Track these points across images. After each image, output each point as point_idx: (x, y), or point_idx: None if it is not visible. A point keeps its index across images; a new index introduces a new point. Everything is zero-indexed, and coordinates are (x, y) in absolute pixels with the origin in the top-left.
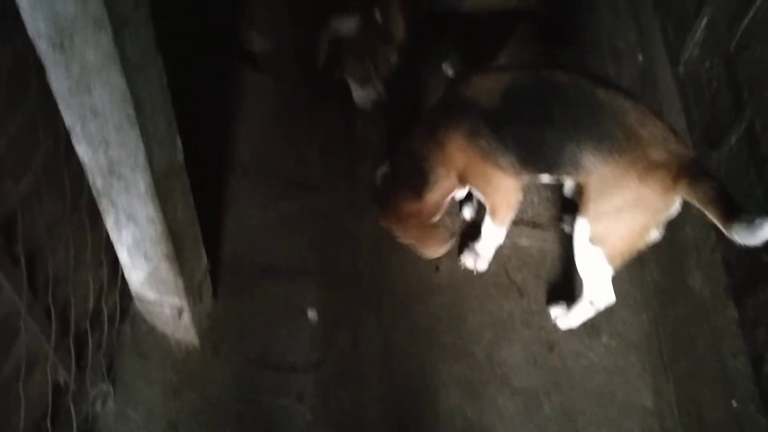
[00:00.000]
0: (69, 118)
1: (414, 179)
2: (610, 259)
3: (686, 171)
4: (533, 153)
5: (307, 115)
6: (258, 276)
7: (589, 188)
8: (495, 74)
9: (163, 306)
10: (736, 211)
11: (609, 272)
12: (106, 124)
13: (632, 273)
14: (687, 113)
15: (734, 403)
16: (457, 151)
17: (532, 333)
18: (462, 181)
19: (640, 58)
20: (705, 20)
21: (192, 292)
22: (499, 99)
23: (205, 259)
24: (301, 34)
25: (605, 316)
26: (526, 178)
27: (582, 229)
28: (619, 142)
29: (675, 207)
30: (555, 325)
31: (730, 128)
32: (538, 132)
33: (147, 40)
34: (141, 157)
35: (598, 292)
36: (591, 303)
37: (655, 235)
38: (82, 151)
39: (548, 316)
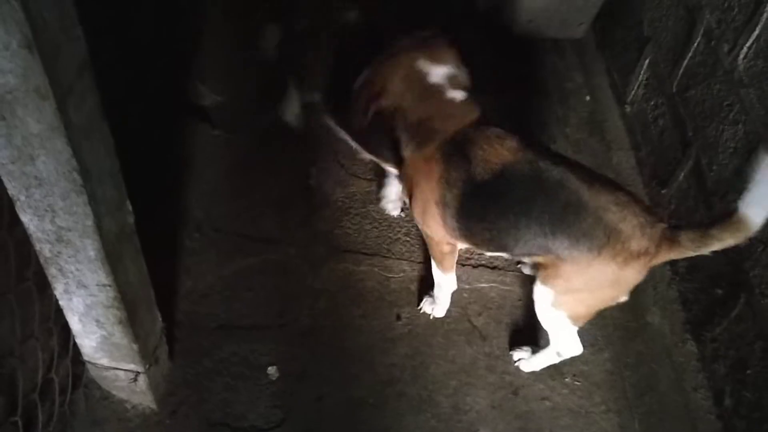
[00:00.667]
0: (12, 188)
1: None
2: (574, 321)
3: (663, 244)
4: (495, 235)
5: (261, 168)
6: (215, 335)
7: (560, 269)
8: (509, 146)
9: (117, 371)
10: (723, 218)
11: (573, 329)
12: (52, 192)
13: None
14: (636, 151)
15: None
16: (426, 170)
17: (496, 377)
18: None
19: (588, 98)
20: (647, 61)
21: (147, 355)
22: (492, 174)
23: (159, 321)
24: (251, 87)
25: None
26: (465, 245)
27: (544, 295)
28: (598, 241)
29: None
30: (519, 369)
31: (677, 165)
32: (512, 219)
33: (93, 106)
34: (90, 224)
35: (564, 345)
36: (558, 354)
37: (624, 299)
38: (28, 219)
39: (511, 359)
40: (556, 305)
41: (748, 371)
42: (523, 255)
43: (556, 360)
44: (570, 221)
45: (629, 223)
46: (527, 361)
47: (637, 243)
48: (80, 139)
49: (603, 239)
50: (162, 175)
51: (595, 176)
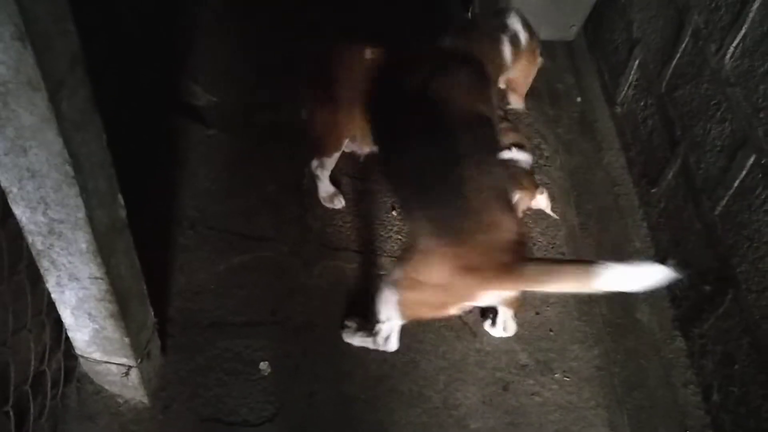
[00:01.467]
0: (5, 180)
1: None
2: (402, 311)
3: (503, 273)
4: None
5: (255, 167)
6: (208, 331)
7: (414, 251)
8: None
9: (109, 365)
10: (577, 264)
11: (398, 321)
12: (44, 183)
13: (582, 308)
14: (626, 151)
15: None
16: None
17: (486, 373)
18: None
19: (579, 99)
20: (637, 62)
21: (139, 350)
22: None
23: (152, 316)
24: (246, 87)
25: (557, 352)
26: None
27: (393, 274)
28: (451, 239)
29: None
30: (509, 364)
31: (666, 164)
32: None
33: (85, 99)
34: (81, 216)
35: (382, 333)
36: (374, 340)
37: (453, 312)
38: (20, 211)
39: (502, 355)
40: (394, 284)
41: (736, 366)
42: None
43: (371, 345)
44: (440, 199)
45: (487, 236)
46: (350, 332)
47: (479, 258)
48: (72, 131)
49: (455, 239)
50: (156, 173)
51: (495, 184)
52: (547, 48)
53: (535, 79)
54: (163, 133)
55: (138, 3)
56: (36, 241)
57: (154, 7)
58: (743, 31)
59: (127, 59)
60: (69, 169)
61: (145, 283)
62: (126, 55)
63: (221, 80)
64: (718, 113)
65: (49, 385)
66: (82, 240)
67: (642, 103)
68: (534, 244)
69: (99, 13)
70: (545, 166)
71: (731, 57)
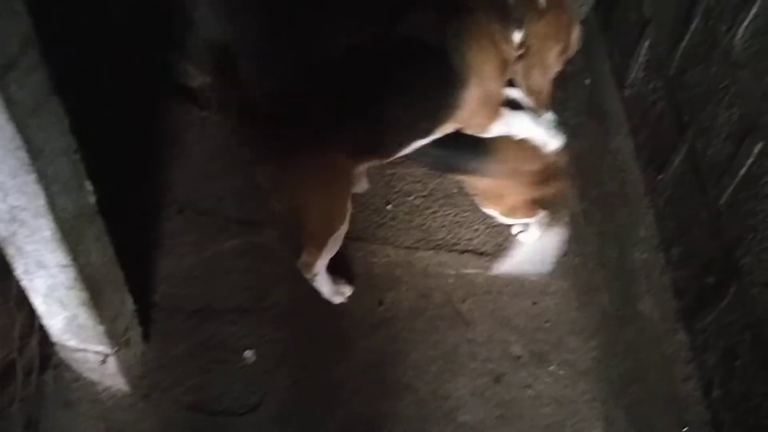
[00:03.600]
0: None
1: None
2: None
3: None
4: None
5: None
6: (193, 317)
7: None
8: None
9: (86, 353)
10: None
11: None
12: (1, 170)
13: (581, 300)
14: (634, 135)
15: (686, 430)
16: None
17: (478, 364)
18: None
19: (587, 81)
20: (647, 42)
21: (116, 337)
22: None
23: (129, 303)
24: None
25: (553, 344)
26: None
27: None
28: None
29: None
30: (502, 356)
31: (673, 150)
32: None
33: (40, 83)
34: (42, 203)
35: None
36: None
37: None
38: None
39: (495, 346)
40: None
41: (737, 362)
42: None
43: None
44: None
45: None
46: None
47: None
48: (25, 116)
49: None
50: (145, 155)
51: None
52: None
53: None
54: (155, 114)
55: None
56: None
57: None
58: (755, 9)
59: (120, 38)
60: (24, 155)
61: (123, 269)
62: (119, 35)
63: None
64: (726, 97)
65: (20, 372)
66: (46, 227)
67: (651, 86)
68: None
69: None
70: None
71: (741, 37)
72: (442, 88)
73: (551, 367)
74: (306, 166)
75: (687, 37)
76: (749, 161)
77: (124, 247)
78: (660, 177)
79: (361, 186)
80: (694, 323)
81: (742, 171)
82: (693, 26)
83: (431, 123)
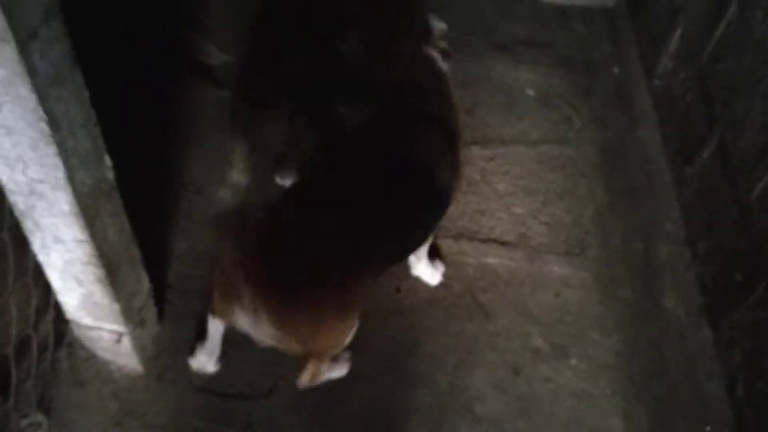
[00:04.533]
0: None
1: None
2: None
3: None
4: None
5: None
6: (208, 298)
7: None
8: None
9: (101, 332)
10: None
11: None
12: (21, 141)
13: (604, 293)
14: (662, 126)
15: (708, 428)
16: None
17: (497, 356)
18: None
19: (616, 70)
20: (679, 32)
21: (131, 316)
22: None
23: (146, 282)
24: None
25: (574, 338)
26: None
27: None
28: None
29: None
30: (522, 348)
31: (703, 142)
32: None
33: (62, 54)
34: (61, 176)
35: None
36: None
37: None
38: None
39: (515, 338)
40: None
41: (764, 360)
42: None
43: None
44: None
45: None
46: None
47: None
48: (47, 87)
49: None
50: (163, 135)
51: None
52: (586, 14)
53: (571, 48)
54: (172, 92)
55: None
56: (18, 201)
57: None
58: None
59: (138, 16)
60: (45, 126)
61: (139, 247)
62: (138, 12)
63: (236, 38)
64: (761, 88)
65: (35, 349)
66: (64, 201)
67: (682, 76)
68: (557, 222)
69: None
70: (575, 139)
71: None
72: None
73: (572, 361)
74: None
75: (721, 26)
76: None
77: (140, 226)
78: (688, 169)
79: None
80: (719, 320)
81: None
82: (728, 14)
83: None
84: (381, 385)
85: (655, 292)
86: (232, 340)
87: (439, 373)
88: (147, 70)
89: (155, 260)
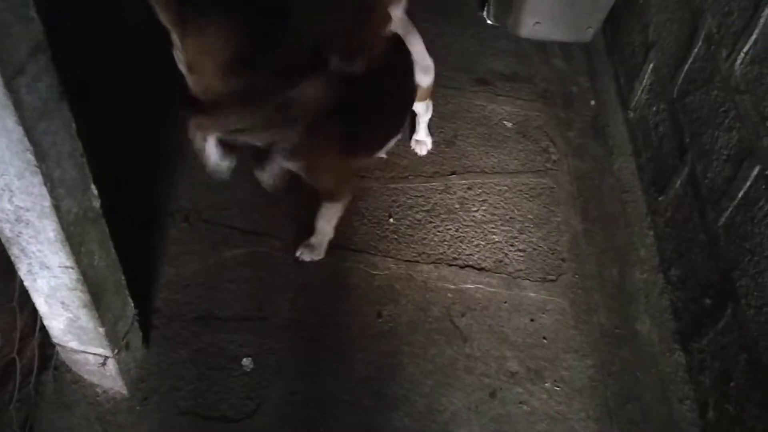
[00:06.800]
0: None
1: None
2: None
3: None
4: None
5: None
6: (193, 324)
7: None
8: None
9: (87, 355)
10: None
11: None
12: (8, 171)
13: (579, 318)
14: (637, 157)
15: None
16: None
17: (474, 379)
18: None
19: (593, 102)
20: (651, 65)
21: (116, 340)
22: None
23: (131, 307)
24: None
25: (550, 361)
26: None
27: None
28: None
29: None
30: (498, 371)
31: (674, 172)
32: None
33: (49, 88)
34: (47, 205)
35: None
36: None
37: None
38: None
39: (492, 361)
40: None
41: (732, 384)
42: None
43: None
44: None
45: None
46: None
47: None
48: (34, 120)
49: None
50: (153, 164)
51: None
52: (565, 49)
53: (550, 81)
54: (163, 122)
55: None
56: (4, 228)
57: None
58: (754, 36)
59: (132, 45)
60: (31, 157)
61: (124, 273)
62: (131, 41)
63: None
64: (726, 121)
65: (18, 372)
66: (50, 229)
67: (654, 108)
68: (534, 250)
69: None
70: (552, 170)
71: (741, 63)
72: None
73: (547, 384)
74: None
75: (689, 62)
76: (747, 185)
77: (128, 252)
78: (661, 198)
79: None
80: (690, 344)
81: (740, 194)
82: (695, 51)
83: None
84: (361, 408)
85: (629, 318)
86: (216, 364)
87: (418, 396)
88: (138, 99)
89: (142, 286)
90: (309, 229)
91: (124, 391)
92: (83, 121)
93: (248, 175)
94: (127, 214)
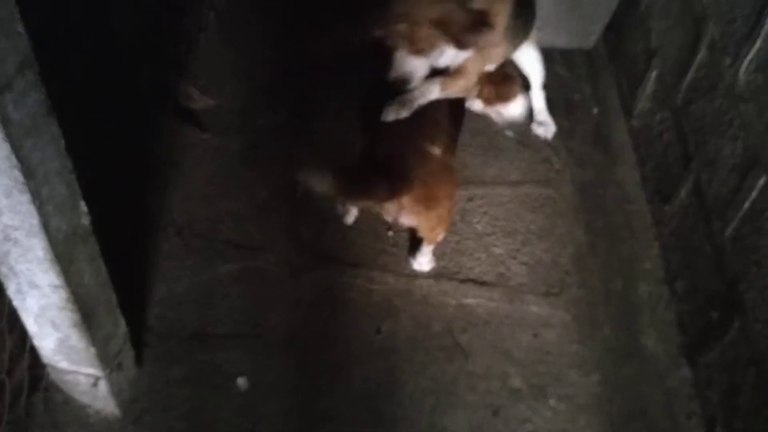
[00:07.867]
0: None
1: None
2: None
3: None
4: None
5: (249, 172)
6: (187, 342)
7: None
8: None
9: (78, 375)
10: None
11: None
12: None
13: (583, 333)
14: (640, 166)
15: None
16: None
17: (476, 397)
18: None
19: (595, 110)
20: (654, 73)
21: (108, 360)
22: None
23: (122, 326)
24: (246, 90)
25: (553, 378)
26: None
27: None
28: None
29: None
30: (501, 388)
31: (679, 181)
32: None
33: (36, 104)
34: (35, 223)
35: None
36: None
37: None
38: None
39: (494, 378)
40: None
41: (740, 399)
42: None
43: None
44: None
45: None
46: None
47: None
48: (21, 136)
49: None
50: (145, 177)
51: None
52: (567, 57)
53: (551, 89)
54: (155, 135)
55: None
56: None
57: (154, 6)
58: (758, 44)
59: (122, 58)
60: (18, 174)
61: (117, 291)
62: (121, 55)
63: (221, 83)
64: (731, 130)
65: (8, 393)
66: (39, 247)
67: (658, 117)
68: (536, 262)
69: (93, 12)
70: (554, 180)
71: (745, 71)
72: None
73: (551, 401)
74: None
75: (692, 69)
76: (753, 195)
77: (120, 268)
78: (666, 208)
79: None
80: (697, 359)
81: (746, 205)
82: (698, 58)
83: None
84: (359, 427)
85: (634, 332)
86: (211, 383)
87: (419, 414)
88: (129, 112)
89: (134, 304)
90: (304, 243)
91: (117, 412)
92: (71, 134)
93: (243, 186)
94: (118, 228)
